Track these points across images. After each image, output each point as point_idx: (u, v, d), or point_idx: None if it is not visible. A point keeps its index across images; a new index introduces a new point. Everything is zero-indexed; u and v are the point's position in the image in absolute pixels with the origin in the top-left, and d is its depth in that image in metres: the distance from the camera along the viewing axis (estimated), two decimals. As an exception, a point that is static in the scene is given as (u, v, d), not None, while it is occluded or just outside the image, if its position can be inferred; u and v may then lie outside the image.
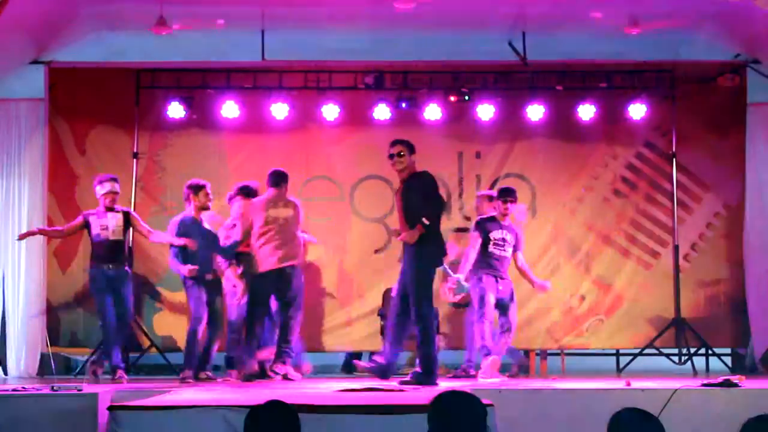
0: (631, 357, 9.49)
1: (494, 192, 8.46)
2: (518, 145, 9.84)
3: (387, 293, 8.92)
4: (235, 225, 8.27)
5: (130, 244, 8.63)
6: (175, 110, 9.44)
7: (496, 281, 7.95)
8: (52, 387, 6.38)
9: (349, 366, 9.23)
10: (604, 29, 9.37)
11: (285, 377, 7.80)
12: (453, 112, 9.70)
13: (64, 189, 9.47)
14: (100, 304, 7.93)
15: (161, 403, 5.56)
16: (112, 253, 7.93)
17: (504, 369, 8.11)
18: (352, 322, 9.55)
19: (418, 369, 7.02)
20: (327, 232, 9.52)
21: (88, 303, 9.16)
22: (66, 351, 9.46)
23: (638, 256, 9.71)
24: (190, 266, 7.94)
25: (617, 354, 9.84)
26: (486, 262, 7.97)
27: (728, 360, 9.59)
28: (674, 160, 9.71)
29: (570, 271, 9.68)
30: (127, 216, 8.07)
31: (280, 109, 9.49)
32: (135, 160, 9.54)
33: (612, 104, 9.68)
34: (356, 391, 6.29)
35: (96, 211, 8.05)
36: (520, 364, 8.64)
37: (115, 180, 8.14)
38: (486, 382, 7.43)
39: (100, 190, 8.03)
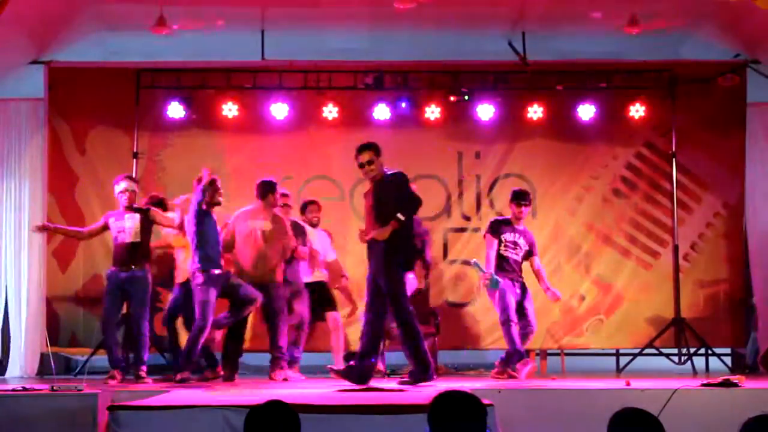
0: (631, 357, 9.48)
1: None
2: (518, 145, 9.83)
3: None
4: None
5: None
6: (175, 110, 9.46)
7: (513, 284, 7.86)
8: (52, 387, 6.36)
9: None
10: (604, 29, 9.39)
11: (285, 381, 7.82)
12: (453, 112, 9.69)
13: (64, 189, 9.48)
14: (106, 305, 7.92)
15: (161, 403, 5.57)
16: (127, 256, 7.85)
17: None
18: (352, 322, 9.54)
19: (413, 367, 6.98)
20: (327, 233, 9.51)
21: (88, 303, 9.16)
22: (66, 351, 9.46)
23: (638, 256, 9.72)
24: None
25: (617, 354, 9.83)
26: (500, 265, 7.89)
27: (728, 360, 9.59)
28: (674, 159, 9.71)
29: (570, 271, 9.68)
30: (146, 214, 7.97)
31: (279, 109, 9.51)
32: (135, 160, 9.54)
33: (612, 104, 9.69)
34: (356, 391, 6.29)
35: (116, 213, 8.02)
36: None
37: (130, 178, 8.14)
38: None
39: (116, 189, 7.98)
